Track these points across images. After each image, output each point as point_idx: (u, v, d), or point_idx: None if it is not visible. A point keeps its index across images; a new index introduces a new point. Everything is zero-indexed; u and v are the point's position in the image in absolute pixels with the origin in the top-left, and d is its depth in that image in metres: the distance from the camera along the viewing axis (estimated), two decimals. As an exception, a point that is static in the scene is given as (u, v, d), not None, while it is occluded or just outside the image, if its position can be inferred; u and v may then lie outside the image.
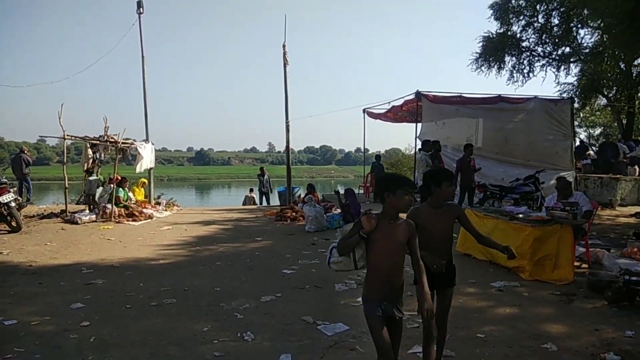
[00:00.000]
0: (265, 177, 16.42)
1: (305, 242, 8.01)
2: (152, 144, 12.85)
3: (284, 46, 12.65)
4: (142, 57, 12.42)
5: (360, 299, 4.93)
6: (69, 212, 10.10)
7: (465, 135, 13.17)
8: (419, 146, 13.64)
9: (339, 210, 10.62)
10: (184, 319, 4.29)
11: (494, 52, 18.05)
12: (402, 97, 13.34)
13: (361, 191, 16.08)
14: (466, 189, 10.39)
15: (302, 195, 13.60)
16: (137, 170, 11.78)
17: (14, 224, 8.36)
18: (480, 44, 18.22)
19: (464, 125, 13.40)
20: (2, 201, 8.09)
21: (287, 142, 13.22)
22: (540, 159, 13.23)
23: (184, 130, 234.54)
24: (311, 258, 6.69)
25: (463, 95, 12.54)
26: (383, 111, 15.84)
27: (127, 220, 10.02)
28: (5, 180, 10.68)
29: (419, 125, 12.95)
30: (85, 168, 10.81)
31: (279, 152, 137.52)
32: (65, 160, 10.27)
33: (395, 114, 15.70)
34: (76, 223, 9.47)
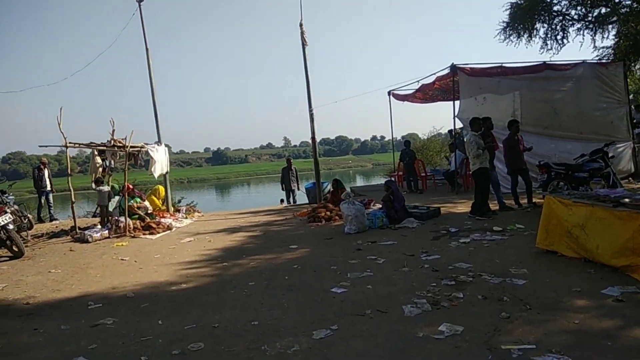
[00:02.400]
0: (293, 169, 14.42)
1: (349, 247, 6.85)
2: (165, 146, 11.82)
3: (301, 25, 11.38)
4: (147, 49, 11.30)
5: (443, 328, 3.86)
6: (79, 229, 9.13)
7: (509, 111, 11.82)
8: (459, 125, 12.39)
9: (378, 206, 9.46)
10: (216, 376, 3.18)
11: (523, 19, 16.56)
12: (434, 74, 12.08)
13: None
14: (518, 172, 9.10)
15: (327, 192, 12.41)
16: (156, 175, 10.77)
17: (15, 248, 7.39)
18: (508, 11, 16.80)
19: (507, 99, 12.05)
20: None
21: (313, 132, 11.99)
22: (594, 130, 11.96)
23: (199, 132, 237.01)
24: (362, 269, 5.52)
25: (504, 65, 11.22)
26: (411, 92, 14.56)
27: (144, 234, 9.00)
28: (12, 198, 9.80)
29: (457, 103, 11.68)
30: (95, 177, 9.82)
31: (295, 146, 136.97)
32: (69, 170, 9.27)
33: (425, 94, 14.43)
34: (87, 241, 8.49)
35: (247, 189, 53.28)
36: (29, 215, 10.97)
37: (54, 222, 12.36)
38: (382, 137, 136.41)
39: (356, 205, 7.92)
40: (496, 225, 7.34)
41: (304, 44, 11.54)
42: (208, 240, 8.32)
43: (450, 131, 17.25)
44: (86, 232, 8.81)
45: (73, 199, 9.25)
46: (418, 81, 13.15)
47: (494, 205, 8.72)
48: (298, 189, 14.26)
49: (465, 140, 8.72)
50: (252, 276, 5.63)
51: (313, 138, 12.10)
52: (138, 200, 10.16)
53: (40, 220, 12.80)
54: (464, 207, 9.61)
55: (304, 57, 11.71)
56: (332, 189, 10.95)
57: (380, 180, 26.66)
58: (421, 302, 4.23)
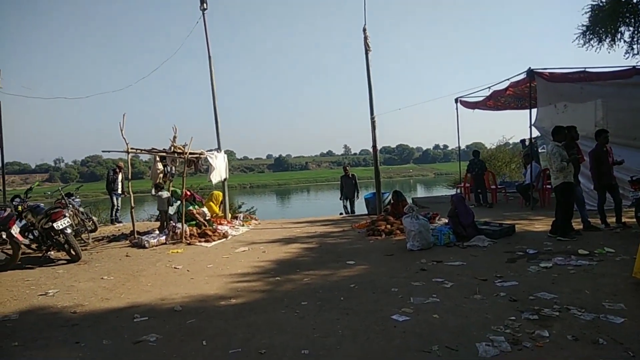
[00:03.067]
0: (351, 176, 13.78)
1: (412, 266, 6.26)
2: (226, 152, 11.75)
3: (364, 30, 10.91)
4: (209, 57, 11.34)
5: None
6: (138, 234, 9.17)
7: (592, 120, 10.70)
8: (535, 133, 11.42)
9: (443, 220, 8.80)
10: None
11: (605, 22, 15.13)
12: (508, 79, 11.18)
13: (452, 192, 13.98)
14: (606, 188, 8.09)
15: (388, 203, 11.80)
16: (214, 182, 10.72)
17: (72, 252, 7.45)
18: (588, 14, 15.45)
19: (590, 107, 10.92)
20: (56, 228, 7.18)
21: (374, 140, 11.45)
22: (691, 144, 10.49)
23: (263, 139, 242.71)
24: (427, 294, 4.94)
25: (588, 70, 10.13)
26: (481, 99, 13.66)
27: (200, 241, 8.87)
28: (78, 201, 10.06)
29: (533, 110, 10.73)
30: (155, 182, 9.88)
31: (355, 154, 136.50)
32: (130, 175, 9.36)
33: (497, 101, 13.47)
34: (144, 247, 8.47)
35: (306, 195, 53.46)
36: (93, 217, 11.28)
37: (117, 225, 12.69)
38: (445, 146, 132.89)
39: (420, 220, 7.31)
40: (582, 249, 6.47)
41: (367, 50, 11.08)
42: (262, 251, 8.03)
43: (522, 141, 16.08)
44: (144, 237, 8.82)
45: (132, 204, 9.31)
46: (489, 87, 12.25)
47: (576, 225, 7.80)
48: (357, 197, 13.73)
49: (547, 151, 7.84)
50: (305, 294, 5.21)
51: (374, 146, 11.55)
52: (196, 207, 10.09)
53: (111, 221, 13.22)
54: (541, 225, 8.70)
55: (367, 63, 11.24)
56: (392, 201, 10.34)
57: (443, 191, 25.59)
58: (498, 340, 3.61)
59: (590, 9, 14.66)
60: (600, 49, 15.30)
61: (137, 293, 5.62)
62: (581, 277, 5.26)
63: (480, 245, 7.20)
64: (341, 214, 13.69)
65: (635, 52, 15.21)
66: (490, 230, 7.75)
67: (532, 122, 10.75)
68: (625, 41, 15.10)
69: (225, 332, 4.16)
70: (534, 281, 5.18)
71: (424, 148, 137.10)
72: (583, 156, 8.19)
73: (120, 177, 13.26)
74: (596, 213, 8.25)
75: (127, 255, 8.02)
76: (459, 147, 16.38)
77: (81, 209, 10.19)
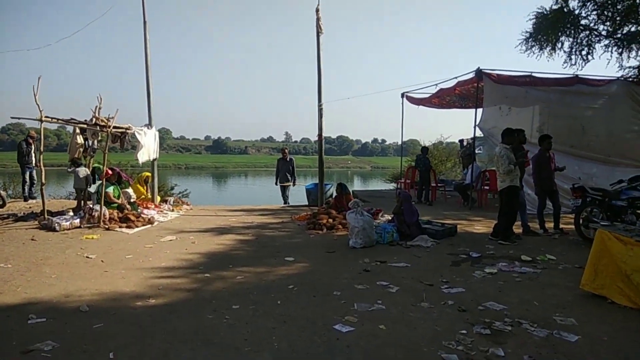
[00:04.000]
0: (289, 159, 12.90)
1: (355, 266, 5.84)
2: (158, 131, 10.73)
3: (317, 11, 10.30)
4: (144, 22, 10.16)
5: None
6: (49, 214, 8.08)
7: (534, 125, 10.87)
8: (478, 133, 11.43)
9: (387, 217, 8.51)
10: None
11: (548, 30, 15.60)
12: (456, 77, 11.06)
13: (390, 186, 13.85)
14: (547, 194, 8.13)
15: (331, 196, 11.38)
16: (141, 161, 9.69)
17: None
18: (532, 21, 15.85)
19: (531, 112, 11.09)
20: None
21: (320, 128, 10.88)
22: (622, 154, 11.08)
23: (202, 119, 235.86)
24: (372, 299, 4.52)
25: (534, 74, 10.25)
26: (427, 96, 13.55)
27: (120, 226, 7.92)
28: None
29: (479, 110, 10.70)
30: (72, 157, 8.78)
31: (295, 141, 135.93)
32: (42, 147, 8.15)
33: (443, 99, 13.41)
34: (54, 230, 7.45)
35: (244, 180, 52.20)
36: (1, 191, 9.97)
37: (31, 201, 11.32)
38: (384, 141, 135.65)
39: (365, 217, 6.91)
40: (524, 254, 6.37)
41: (319, 32, 10.47)
42: (192, 242, 7.29)
43: (461, 141, 16.24)
44: (55, 218, 7.76)
45: (44, 180, 8.16)
46: (436, 84, 12.09)
47: (516, 229, 7.76)
48: (294, 184, 13.09)
49: (495, 153, 7.71)
50: (237, 296, 4.62)
51: (320, 134, 10.97)
52: (113, 188, 8.94)
53: (24, 198, 11.75)
54: (481, 226, 8.65)
55: (318, 46, 10.62)
56: (336, 194, 9.90)
57: (380, 185, 25.71)
58: (452, 359, 3.25)
59: (534, 17, 15.01)
60: (540, 57, 15.73)
61: (37, 286, 4.77)
62: (527, 286, 5.08)
63: (423, 245, 6.94)
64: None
65: (573, 62, 15.75)
66: (433, 230, 7.53)
67: (477, 122, 10.73)
68: (564, 51, 15.60)
69: (139, 341, 3.51)
70: (481, 288, 4.93)
71: (363, 141, 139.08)
72: (529, 160, 8.17)
73: (34, 148, 11.84)
74: (534, 217, 8.30)
75: (32, 239, 6.98)
76: (402, 142, 16.28)
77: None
